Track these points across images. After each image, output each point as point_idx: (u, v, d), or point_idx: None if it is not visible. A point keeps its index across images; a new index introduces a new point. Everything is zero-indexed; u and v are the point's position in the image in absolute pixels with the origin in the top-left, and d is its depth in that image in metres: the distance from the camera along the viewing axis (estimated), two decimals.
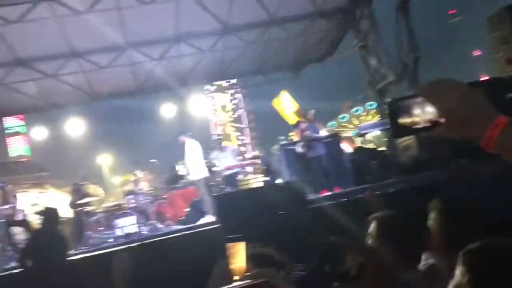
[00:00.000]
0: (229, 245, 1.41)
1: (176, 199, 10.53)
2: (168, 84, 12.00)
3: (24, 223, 9.82)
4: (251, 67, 13.40)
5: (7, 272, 6.20)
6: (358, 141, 16.22)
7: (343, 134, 18.53)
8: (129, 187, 11.15)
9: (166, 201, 10.67)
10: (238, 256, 1.39)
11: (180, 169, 11.75)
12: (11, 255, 8.47)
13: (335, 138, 10.22)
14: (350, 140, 17.69)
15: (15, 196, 9.99)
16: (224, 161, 10.56)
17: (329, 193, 8.30)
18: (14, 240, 9.50)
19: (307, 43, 12.41)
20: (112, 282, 2.36)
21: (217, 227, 6.17)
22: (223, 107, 28.11)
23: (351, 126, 28.74)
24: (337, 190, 8.42)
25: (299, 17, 10.86)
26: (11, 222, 9.56)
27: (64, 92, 11.93)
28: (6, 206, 9.63)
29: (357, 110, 30.15)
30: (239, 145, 26.25)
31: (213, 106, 27.45)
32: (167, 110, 13.36)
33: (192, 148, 9.23)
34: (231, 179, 10.31)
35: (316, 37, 12.24)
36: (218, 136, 23.34)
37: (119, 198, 13.19)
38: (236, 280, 1.37)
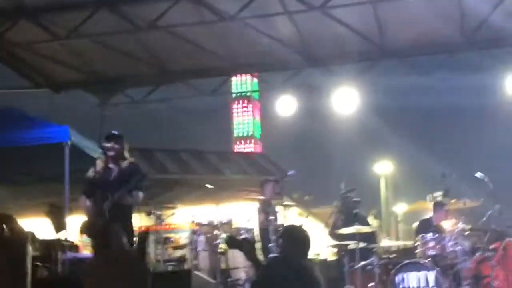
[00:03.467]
0: None
1: None
2: None
3: (245, 245, 10.94)
4: None
5: None
6: None
7: None
8: (427, 221, 11.60)
9: (496, 256, 10.27)
10: None
11: None
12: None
13: None
14: None
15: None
16: None
17: None
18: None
19: None
20: None
21: None
22: None
23: None
24: None
25: None
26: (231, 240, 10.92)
27: (335, 40, 12.65)
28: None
29: None
30: None
31: None
32: None
33: None
34: None
35: None
36: None
37: (403, 238, 13.35)
38: None
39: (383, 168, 22.96)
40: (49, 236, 11.17)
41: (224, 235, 11.27)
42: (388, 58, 13.40)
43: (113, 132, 8.88)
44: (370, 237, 11.27)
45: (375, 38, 12.75)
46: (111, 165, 8.69)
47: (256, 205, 11.72)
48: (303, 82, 14.16)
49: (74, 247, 11.39)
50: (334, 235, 11.43)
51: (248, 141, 37.48)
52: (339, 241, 10.97)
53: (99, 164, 8.85)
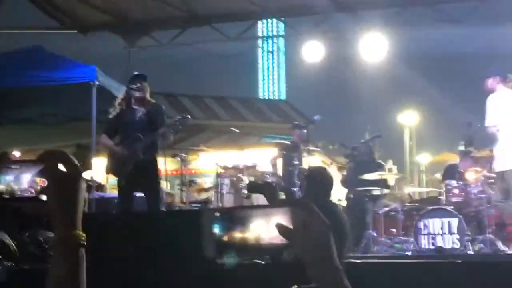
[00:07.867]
0: None
1: None
2: None
3: (266, 188, 11.07)
4: None
5: None
6: None
7: None
8: (453, 167, 11.45)
9: None
10: None
11: None
12: None
13: None
14: None
15: None
16: None
17: None
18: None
19: None
20: None
21: None
22: None
23: None
24: None
25: None
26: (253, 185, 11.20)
27: None
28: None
29: None
30: None
31: None
32: None
33: None
34: None
35: None
36: None
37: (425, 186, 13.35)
38: None
39: (408, 118, 22.89)
40: None
41: (248, 179, 11.43)
42: (416, 5, 13.31)
43: (138, 73, 8.95)
44: (383, 183, 11.30)
45: None
46: (135, 106, 8.77)
47: (282, 149, 11.80)
48: (331, 27, 14.08)
49: (100, 187, 11.55)
50: (349, 183, 11.64)
51: (273, 89, 37.28)
52: (355, 188, 11.08)
53: (121, 104, 8.93)
